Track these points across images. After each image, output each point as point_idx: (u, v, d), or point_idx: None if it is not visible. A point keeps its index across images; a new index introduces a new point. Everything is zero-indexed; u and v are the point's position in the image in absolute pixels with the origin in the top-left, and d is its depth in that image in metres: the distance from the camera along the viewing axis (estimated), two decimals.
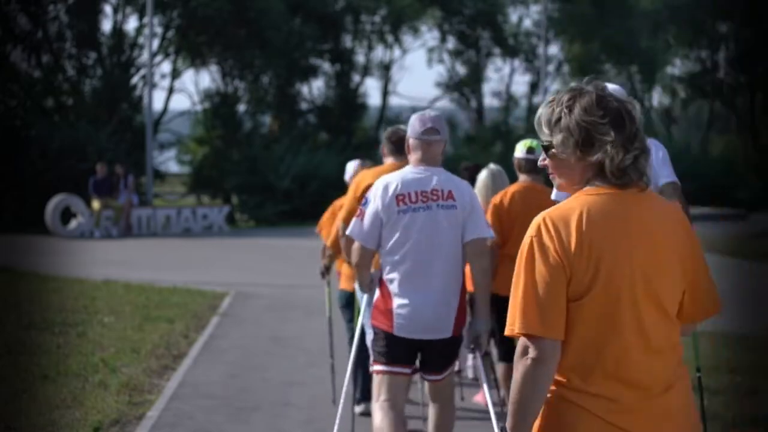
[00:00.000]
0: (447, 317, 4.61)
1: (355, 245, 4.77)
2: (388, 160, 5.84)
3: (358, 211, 4.81)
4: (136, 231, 22.05)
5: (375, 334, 4.74)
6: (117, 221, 21.74)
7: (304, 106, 34.44)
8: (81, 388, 7.00)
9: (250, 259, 17.54)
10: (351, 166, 7.06)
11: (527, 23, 49.62)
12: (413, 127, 4.82)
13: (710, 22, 36.48)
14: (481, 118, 37.01)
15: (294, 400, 6.94)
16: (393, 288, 4.64)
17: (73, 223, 21.78)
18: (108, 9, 31.87)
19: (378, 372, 4.71)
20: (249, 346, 8.99)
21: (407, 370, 4.70)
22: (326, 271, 7.10)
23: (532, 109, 36.43)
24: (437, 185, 4.68)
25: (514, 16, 54.90)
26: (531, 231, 2.57)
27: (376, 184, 4.78)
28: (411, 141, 4.82)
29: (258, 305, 11.50)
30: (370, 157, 23.33)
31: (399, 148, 5.65)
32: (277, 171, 27.89)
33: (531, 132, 31.41)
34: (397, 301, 4.61)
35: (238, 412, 6.58)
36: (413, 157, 4.81)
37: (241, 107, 32.96)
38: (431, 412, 4.85)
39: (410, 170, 4.77)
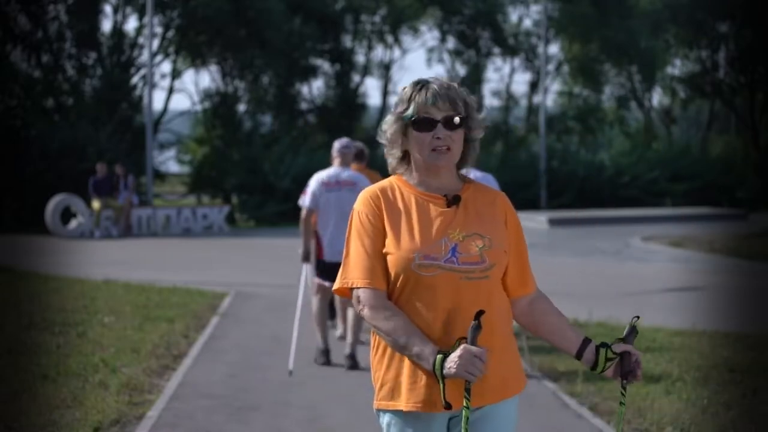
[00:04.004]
0: None
1: (303, 210, 8.10)
2: (352, 165, 8.64)
3: (304, 192, 8.20)
4: (136, 231, 22.06)
5: (316, 261, 8.21)
6: (117, 221, 21.75)
7: (304, 106, 34.44)
8: (81, 388, 7.00)
9: (250, 259, 17.55)
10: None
11: (527, 23, 49.65)
12: (335, 146, 8.26)
13: (710, 22, 36.44)
14: None
15: (294, 400, 6.94)
16: (323, 234, 8.09)
17: (73, 223, 21.79)
18: (108, 9, 31.93)
19: (317, 282, 8.24)
20: (249, 346, 8.99)
21: (329, 283, 7.97)
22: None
23: (532, 109, 36.42)
24: (346, 178, 8.09)
25: (514, 16, 54.88)
26: None
27: (314, 177, 8.15)
28: (334, 152, 8.22)
29: (258, 305, 11.51)
30: (371, 157, 23.33)
31: (357, 156, 8.91)
32: (277, 171, 27.88)
33: (531, 131, 31.38)
34: (325, 241, 8.08)
35: (238, 412, 6.58)
36: (335, 162, 8.19)
37: (241, 107, 32.95)
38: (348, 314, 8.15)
39: (333, 169, 8.16)
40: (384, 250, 2.95)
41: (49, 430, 6.02)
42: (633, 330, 3.04)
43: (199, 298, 11.76)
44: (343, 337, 8.80)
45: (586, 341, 3.04)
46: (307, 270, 8.63)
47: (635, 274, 15.10)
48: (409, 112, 2.95)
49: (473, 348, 2.79)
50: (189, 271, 14.86)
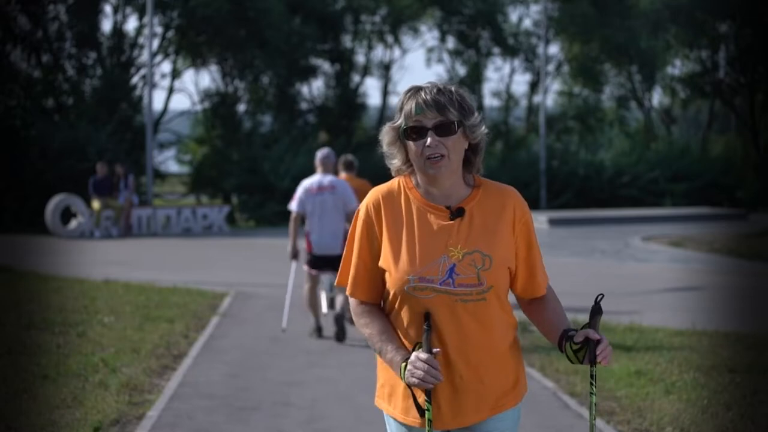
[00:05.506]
0: (335, 244, 9.23)
1: (292, 213, 9.45)
2: (342, 174, 10.24)
3: (293, 197, 9.44)
4: (136, 231, 22.05)
5: (307, 254, 9.47)
6: (117, 221, 21.75)
7: (304, 106, 34.43)
8: (81, 388, 7.00)
9: (250, 259, 17.55)
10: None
11: (527, 23, 49.67)
12: (317, 156, 9.49)
13: (710, 22, 36.42)
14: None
15: (294, 400, 6.94)
16: (311, 233, 9.37)
17: (73, 223, 21.79)
18: (108, 9, 31.93)
19: (307, 270, 9.47)
20: (249, 346, 9.00)
21: (317, 271, 9.45)
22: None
23: (532, 109, 36.42)
24: (327, 183, 9.32)
25: (514, 16, 54.95)
26: None
27: (301, 183, 9.51)
28: (317, 162, 9.46)
29: (258, 305, 11.51)
30: (370, 156, 23.36)
31: (347, 167, 10.38)
32: (276, 171, 27.88)
33: (531, 131, 31.33)
34: (312, 237, 9.36)
35: (238, 412, 6.58)
36: (319, 170, 9.43)
37: (241, 107, 32.94)
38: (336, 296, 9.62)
39: (317, 176, 9.43)
40: (380, 265, 2.94)
41: (49, 430, 6.01)
42: (596, 313, 2.89)
43: (199, 298, 11.76)
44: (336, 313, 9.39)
45: (562, 336, 2.97)
46: (295, 267, 10.11)
47: (635, 274, 15.10)
48: (400, 121, 2.90)
49: (421, 354, 2.79)
50: (189, 271, 14.86)
